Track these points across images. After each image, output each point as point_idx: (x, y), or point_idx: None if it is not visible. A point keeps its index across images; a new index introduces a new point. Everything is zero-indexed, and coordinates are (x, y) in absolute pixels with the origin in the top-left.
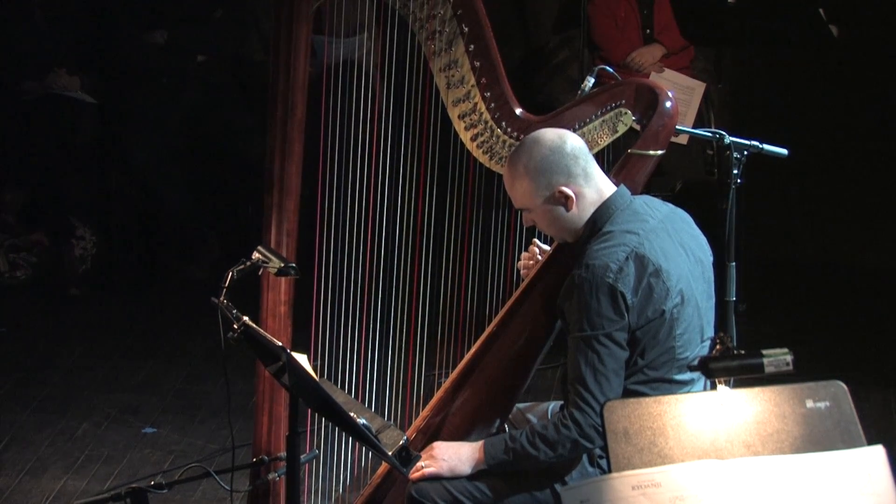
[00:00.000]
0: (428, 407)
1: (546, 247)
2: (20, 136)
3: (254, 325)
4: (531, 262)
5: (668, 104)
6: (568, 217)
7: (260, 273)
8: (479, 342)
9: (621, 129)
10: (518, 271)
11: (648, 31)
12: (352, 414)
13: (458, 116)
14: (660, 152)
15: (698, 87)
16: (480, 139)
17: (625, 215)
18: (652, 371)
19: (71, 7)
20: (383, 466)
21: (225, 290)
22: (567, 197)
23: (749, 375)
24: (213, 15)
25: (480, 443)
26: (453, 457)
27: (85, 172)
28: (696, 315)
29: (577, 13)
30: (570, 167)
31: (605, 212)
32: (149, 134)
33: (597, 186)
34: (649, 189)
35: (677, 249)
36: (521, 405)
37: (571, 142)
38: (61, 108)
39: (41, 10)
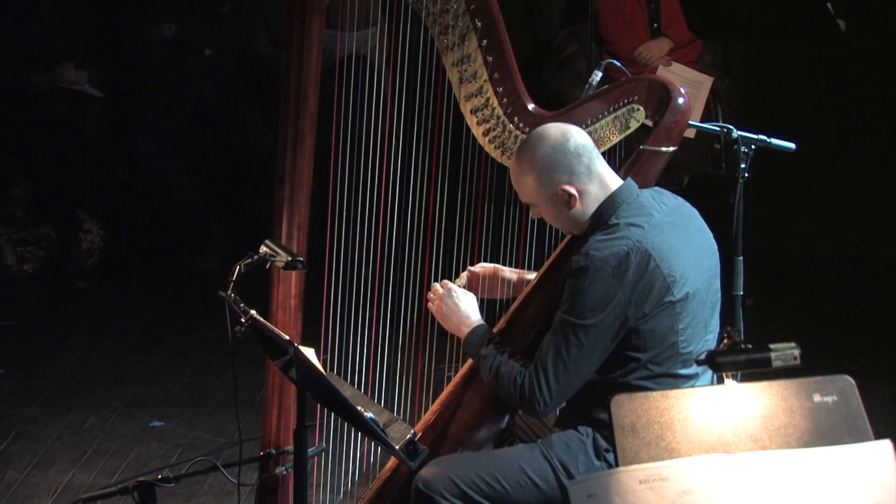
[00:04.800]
0: (437, 401)
1: (481, 270)
2: (28, 130)
3: (261, 319)
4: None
5: (681, 101)
6: (572, 213)
7: (268, 267)
8: None
9: (633, 126)
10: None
11: (656, 24)
12: (359, 408)
13: (471, 111)
14: (672, 149)
15: (706, 81)
16: (492, 134)
17: (631, 209)
18: (656, 366)
19: (78, 1)
20: (392, 460)
21: (232, 283)
22: (570, 195)
23: (756, 369)
24: (221, 9)
25: (472, 326)
26: (448, 315)
27: (92, 166)
28: (701, 309)
29: (585, 7)
30: (572, 165)
31: (610, 205)
32: (156, 128)
33: (601, 182)
34: (657, 184)
35: (683, 243)
36: None
37: (575, 139)
38: (69, 102)
39: (48, 4)
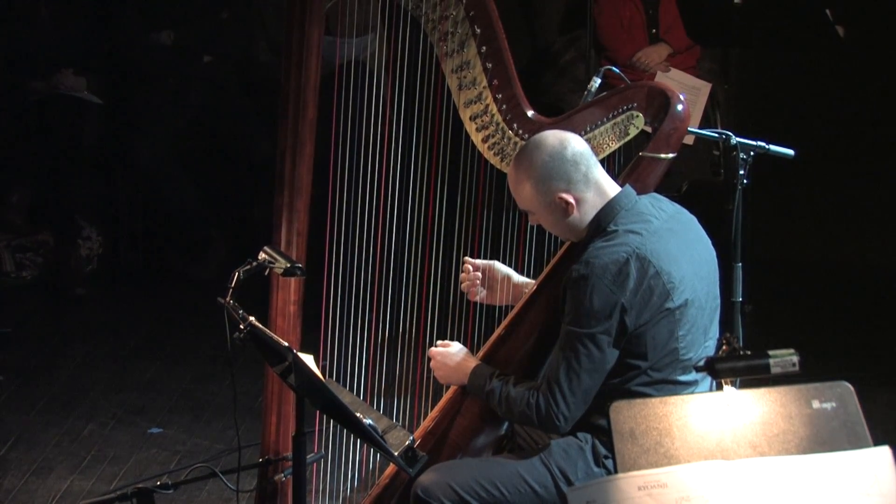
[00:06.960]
0: (437, 408)
1: (480, 262)
2: (27, 136)
3: (260, 326)
4: (468, 281)
5: (680, 107)
6: (569, 221)
7: (267, 273)
8: (488, 344)
9: (632, 132)
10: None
11: (654, 30)
12: (358, 414)
13: (470, 118)
14: (671, 155)
15: (704, 87)
16: (491, 141)
17: (629, 215)
18: (656, 373)
19: (77, 7)
20: (391, 467)
21: (231, 290)
22: (567, 203)
23: (755, 376)
24: (220, 16)
25: (470, 369)
26: (446, 372)
27: (91, 173)
28: (700, 316)
29: (584, 14)
30: (569, 173)
31: (609, 212)
32: (155, 134)
33: (599, 190)
34: (656, 190)
35: (681, 250)
36: None
37: (573, 146)
38: (67, 109)
39: (47, 11)
